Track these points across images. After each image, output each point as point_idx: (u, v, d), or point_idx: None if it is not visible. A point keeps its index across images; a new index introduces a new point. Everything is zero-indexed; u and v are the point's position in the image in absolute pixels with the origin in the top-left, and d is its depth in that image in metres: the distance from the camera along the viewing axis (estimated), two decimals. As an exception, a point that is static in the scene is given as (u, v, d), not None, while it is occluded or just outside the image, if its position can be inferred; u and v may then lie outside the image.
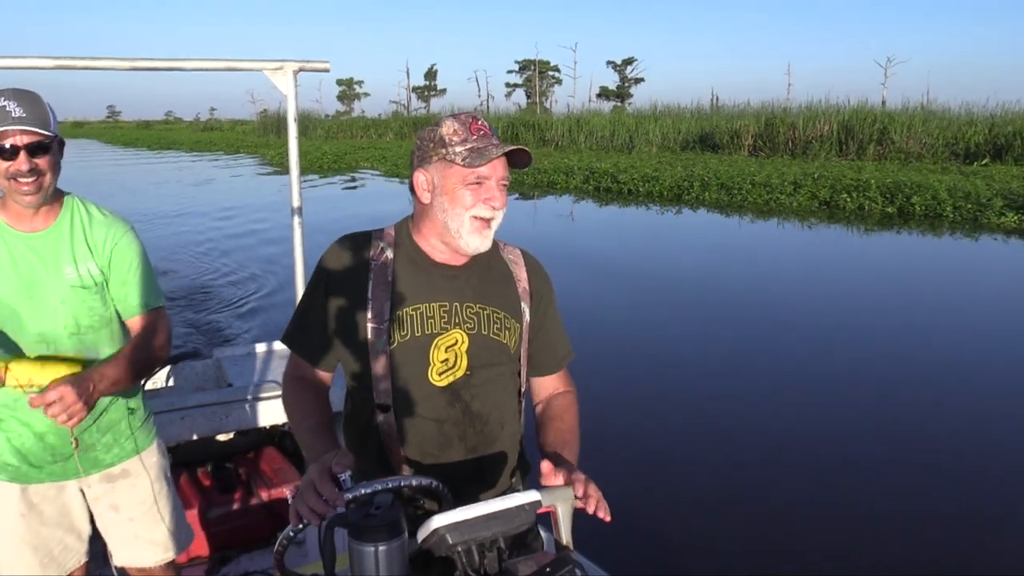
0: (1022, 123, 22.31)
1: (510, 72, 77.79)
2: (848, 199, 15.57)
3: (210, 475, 3.34)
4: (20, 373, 1.80)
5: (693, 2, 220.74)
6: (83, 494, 2.20)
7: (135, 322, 2.14)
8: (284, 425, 3.51)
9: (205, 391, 3.52)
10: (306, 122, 49.39)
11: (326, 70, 3.19)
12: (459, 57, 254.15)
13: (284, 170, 28.43)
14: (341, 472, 1.35)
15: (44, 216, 2.03)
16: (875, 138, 23.60)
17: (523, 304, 1.77)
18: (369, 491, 1.36)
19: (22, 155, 1.89)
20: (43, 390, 1.78)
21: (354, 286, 1.67)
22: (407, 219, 1.77)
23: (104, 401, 2.13)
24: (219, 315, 8.82)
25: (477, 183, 1.60)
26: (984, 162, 20.88)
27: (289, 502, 2.17)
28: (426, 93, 79.80)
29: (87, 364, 1.99)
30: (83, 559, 2.22)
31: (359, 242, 1.72)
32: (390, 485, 1.37)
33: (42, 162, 1.93)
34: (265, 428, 3.47)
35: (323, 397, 1.76)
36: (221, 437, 3.40)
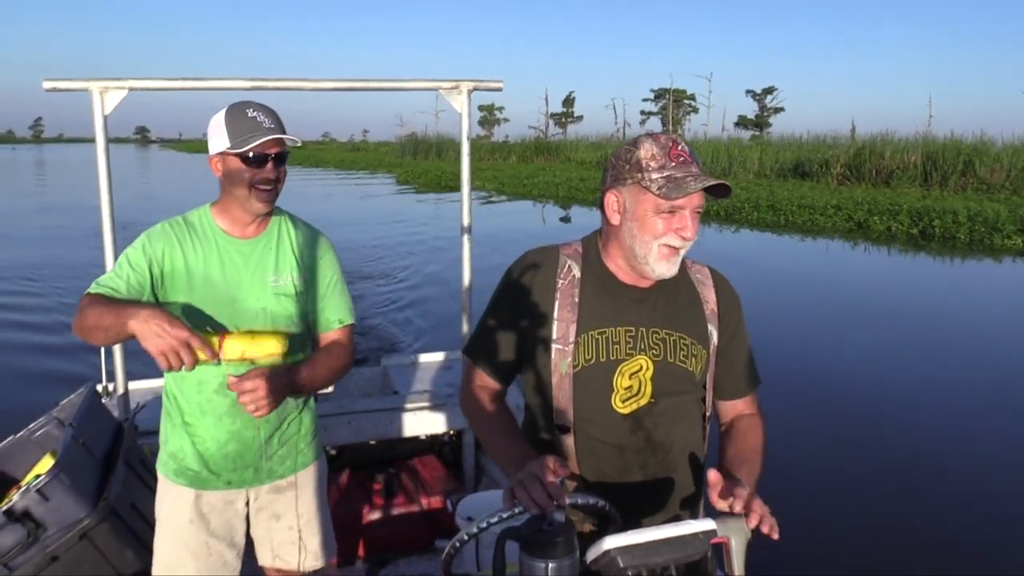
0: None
1: (645, 100, 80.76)
2: (878, 221, 17.57)
3: (373, 479, 3.49)
4: (234, 347, 1.84)
5: (835, 34, 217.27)
6: (247, 505, 2.26)
7: (327, 336, 2.22)
8: (445, 435, 3.69)
9: (372, 397, 3.73)
10: (443, 145, 54.32)
11: (499, 89, 3.33)
12: (597, 85, 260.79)
13: (410, 187, 32.72)
14: (562, 476, 1.41)
15: (257, 224, 2.10)
16: (959, 169, 24.83)
17: (711, 327, 1.74)
18: (592, 502, 1.44)
19: (269, 164, 1.99)
20: (251, 367, 1.91)
21: (540, 305, 1.69)
22: (596, 234, 1.77)
23: (284, 414, 2.20)
24: (385, 324, 9.25)
25: (670, 212, 1.57)
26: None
27: (449, 509, 2.59)
28: (563, 120, 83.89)
29: (292, 337, 2.06)
30: None
31: (545, 258, 1.74)
32: (591, 502, 1.46)
33: (281, 171, 2.03)
34: (427, 437, 3.64)
35: (508, 407, 1.80)
36: (385, 443, 3.57)
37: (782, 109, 77.59)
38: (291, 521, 2.30)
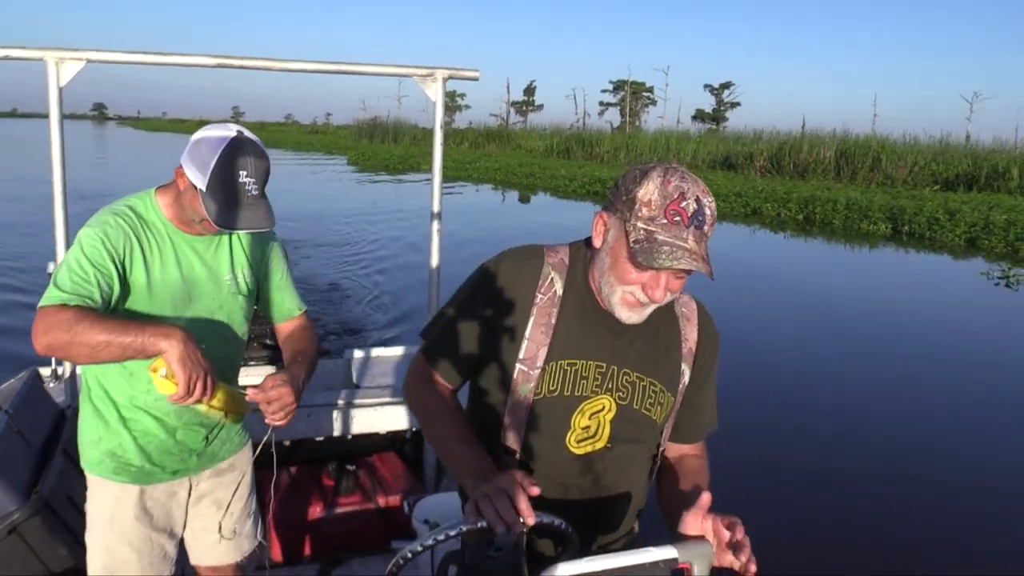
0: (1007, 158, 25.42)
1: (604, 91, 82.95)
2: (770, 208, 19.63)
3: (329, 475, 3.40)
4: (220, 398, 1.83)
5: (788, 32, 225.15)
6: (189, 493, 2.24)
7: (290, 324, 2.26)
8: (407, 432, 3.59)
9: (332, 390, 3.59)
10: (399, 130, 55.77)
11: (475, 78, 3.25)
12: (558, 75, 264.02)
13: (359, 168, 34.18)
14: (532, 494, 1.31)
15: (206, 223, 1.98)
16: (868, 164, 27.09)
17: (684, 367, 1.66)
18: (556, 523, 1.38)
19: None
20: (257, 388, 1.85)
21: (512, 316, 1.58)
22: (585, 244, 1.63)
23: None
24: (350, 314, 9.16)
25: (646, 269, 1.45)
26: (935, 188, 24.21)
27: (406, 510, 2.65)
28: (524, 108, 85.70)
29: (237, 342, 2.15)
30: (173, 569, 2.22)
31: (528, 265, 1.60)
32: (552, 522, 1.38)
33: None
34: (388, 433, 3.53)
35: (462, 408, 1.69)
36: (343, 438, 3.45)
37: (738, 104, 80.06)
38: (232, 507, 2.31)
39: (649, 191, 1.43)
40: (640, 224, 1.43)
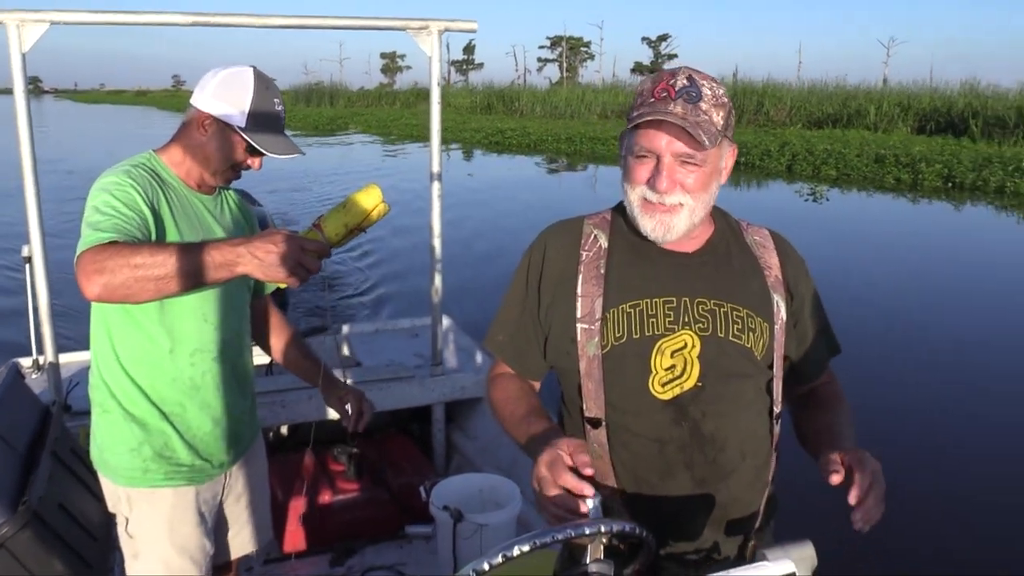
0: (867, 98, 28.90)
1: (542, 48, 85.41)
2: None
3: (336, 459, 3.29)
4: (334, 226, 1.66)
5: None
6: (222, 490, 2.14)
7: (262, 304, 2.26)
8: (413, 410, 3.54)
9: (333, 369, 3.32)
10: (336, 93, 57.90)
11: (473, 30, 3.15)
12: (497, 33, 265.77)
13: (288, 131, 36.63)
14: (583, 466, 1.17)
15: (228, 172, 1.98)
16: (751, 109, 30.41)
17: (775, 297, 1.49)
18: (628, 529, 1.19)
19: (260, 161, 1.96)
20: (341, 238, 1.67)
21: (562, 283, 1.50)
22: None
23: (250, 372, 2.14)
24: (344, 290, 8.87)
25: (645, 155, 1.37)
26: (800, 127, 27.62)
27: (423, 496, 2.61)
28: (464, 67, 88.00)
29: (242, 297, 2.08)
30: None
31: (568, 231, 1.55)
32: (622, 529, 1.18)
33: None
34: (394, 411, 3.43)
35: (530, 387, 1.58)
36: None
37: (675, 56, 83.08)
38: (249, 497, 2.21)
39: (644, 82, 1.40)
40: (634, 113, 1.38)
